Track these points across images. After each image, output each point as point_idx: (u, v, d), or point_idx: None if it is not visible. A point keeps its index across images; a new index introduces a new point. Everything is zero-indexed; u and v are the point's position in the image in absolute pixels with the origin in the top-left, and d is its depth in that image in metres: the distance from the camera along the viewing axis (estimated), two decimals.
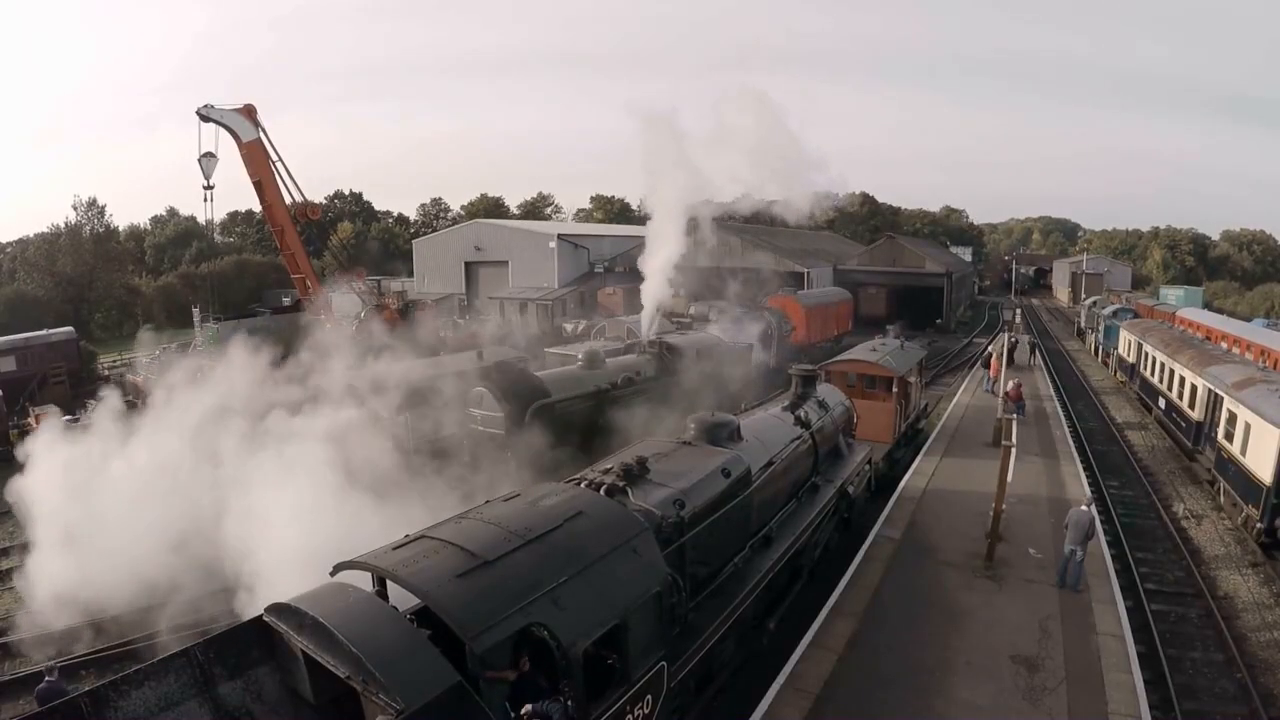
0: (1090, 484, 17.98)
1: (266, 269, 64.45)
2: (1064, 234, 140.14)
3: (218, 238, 78.85)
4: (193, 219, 76.18)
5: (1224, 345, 26.68)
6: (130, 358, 38.52)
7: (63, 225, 54.34)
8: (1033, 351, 35.95)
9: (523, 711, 5.77)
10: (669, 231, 22.56)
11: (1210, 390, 18.68)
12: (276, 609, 6.08)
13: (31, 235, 57.43)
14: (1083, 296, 69.70)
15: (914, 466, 18.63)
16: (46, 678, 8.93)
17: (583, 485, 8.28)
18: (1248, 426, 15.62)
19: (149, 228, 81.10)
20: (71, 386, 27.68)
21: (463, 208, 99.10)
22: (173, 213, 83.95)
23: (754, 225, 64.33)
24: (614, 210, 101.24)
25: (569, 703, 5.99)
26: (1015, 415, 18.43)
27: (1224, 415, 17.17)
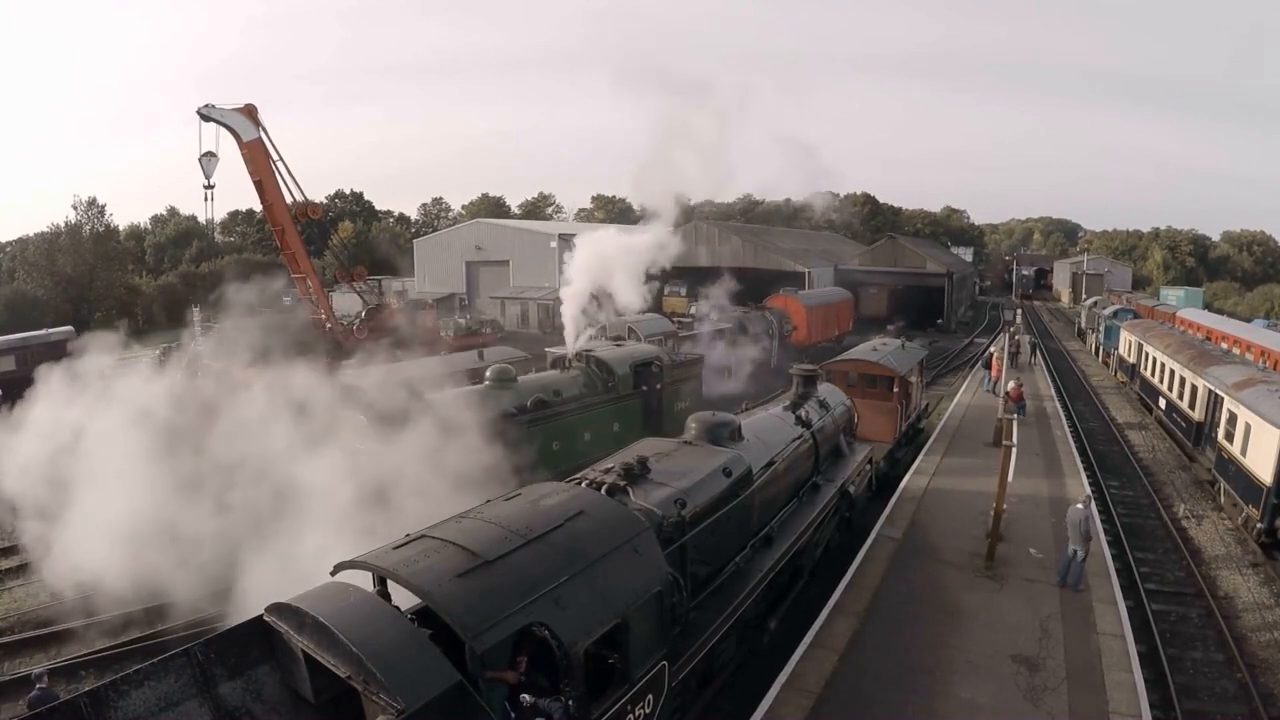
0: (1091, 484, 17.95)
1: (267, 269, 64.49)
2: (1065, 234, 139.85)
3: (218, 237, 78.91)
4: (193, 218, 76.33)
5: (1224, 346, 26.68)
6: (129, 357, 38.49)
7: (63, 225, 54.43)
8: (1033, 351, 36.05)
9: (522, 698, 5.78)
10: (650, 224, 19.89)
11: (1210, 391, 18.67)
12: (277, 608, 6.07)
13: (31, 235, 57.61)
14: (1083, 297, 69.81)
15: (915, 466, 18.62)
16: (38, 685, 8.75)
17: (584, 485, 8.29)
18: (1248, 427, 15.61)
19: (149, 227, 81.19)
20: None
21: (464, 207, 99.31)
22: (173, 212, 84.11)
23: (755, 225, 64.40)
24: (615, 210, 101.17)
25: (570, 702, 5.98)
26: (1016, 415, 18.41)
27: (1224, 416, 17.17)
